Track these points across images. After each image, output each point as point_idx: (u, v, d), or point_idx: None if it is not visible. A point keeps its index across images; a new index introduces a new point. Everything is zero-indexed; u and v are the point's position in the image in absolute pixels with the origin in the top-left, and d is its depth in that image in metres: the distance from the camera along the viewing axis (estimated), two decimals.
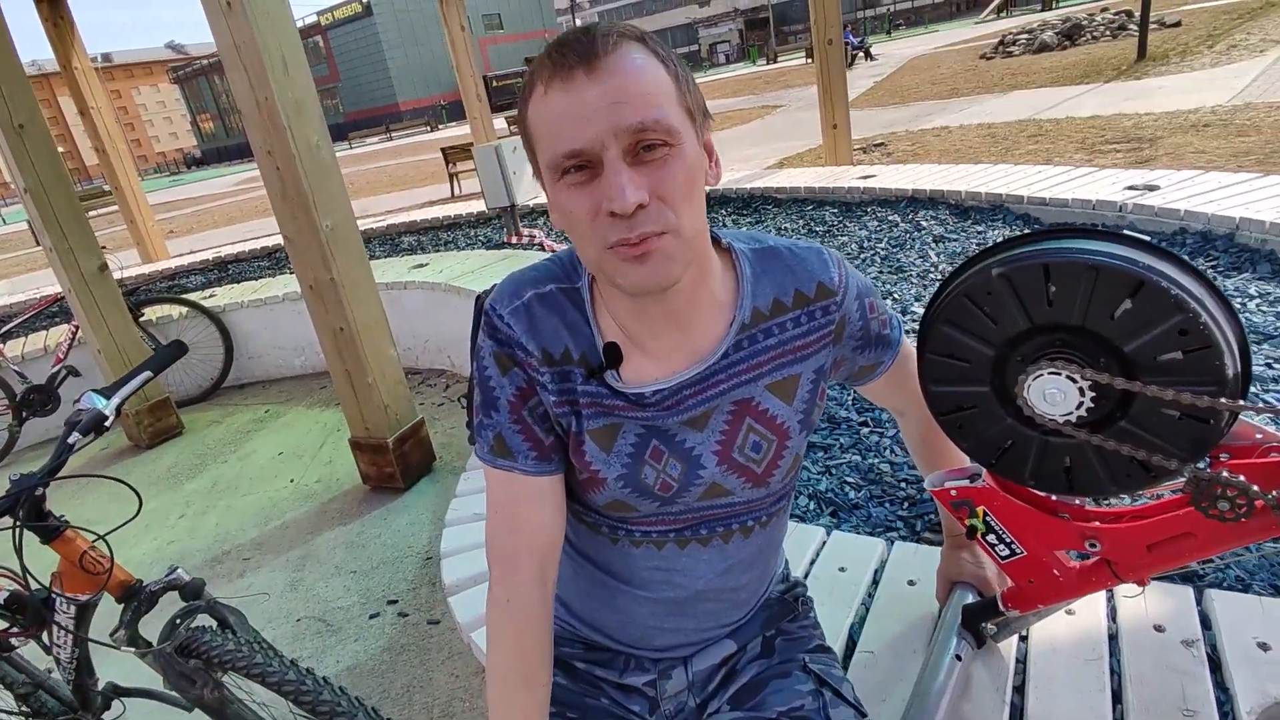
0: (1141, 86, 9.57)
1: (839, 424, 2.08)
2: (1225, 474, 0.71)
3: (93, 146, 6.88)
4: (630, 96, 0.66)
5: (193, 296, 4.78)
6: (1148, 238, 0.73)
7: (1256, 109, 6.85)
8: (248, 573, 2.66)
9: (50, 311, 5.12)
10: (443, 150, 11.48)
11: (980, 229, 3.53)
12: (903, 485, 1.74)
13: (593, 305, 0.82)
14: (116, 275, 3.78)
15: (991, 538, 0.92)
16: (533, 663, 0.80)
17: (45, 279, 9.33)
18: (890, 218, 3.96)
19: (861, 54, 24.93)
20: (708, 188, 0.77)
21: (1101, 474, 0.79)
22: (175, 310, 4.56)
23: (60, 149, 3.69)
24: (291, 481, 3.30)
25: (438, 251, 5.60)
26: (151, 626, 1.34)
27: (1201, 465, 0.75)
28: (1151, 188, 3.21)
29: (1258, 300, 2.29)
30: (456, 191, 11.38)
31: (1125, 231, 0.74)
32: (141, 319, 4.27)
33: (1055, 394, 0.76)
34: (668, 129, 0.68)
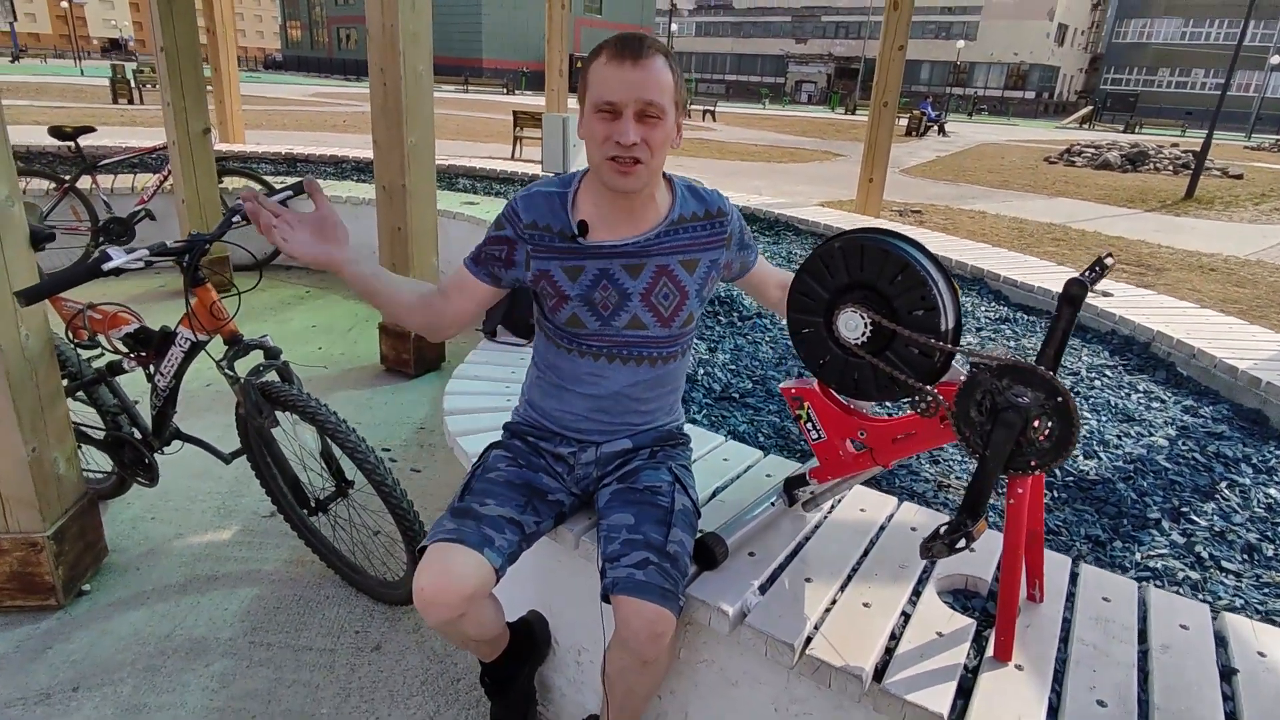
0: (1176, 222, 10.00)
1: (774, 397, 2.56)
2: (929, 389, 1.20)
3: (203, 26, 7.45)
4: (649, 86, 1.19)
5: (266, 178, 5.32)
6: (919, 242, 1.22)
7: (1263, 267, 7.28)
8: None
9: (132, 161, 5.63)
10: (514, 113, 12.05)
11: None
12: (801, 443, 2.22)
13: (573, 201, 1.34)
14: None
15: (809, 424, 1.40)
16: (412, 288, 1.38)
17: (121, 135, 9.93)
18: None
19: (935, 127, 25.44)
20: (673, 149, 1.30)
21: (874, 386, 1.28)
22: (250, 184, 5.10)
23: None
24: (319, 349, 3.82)
25: (489, 197, 6.12)
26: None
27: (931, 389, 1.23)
28: (1106, 294, 3.68)
29: (1140, 394, 2.76)
30: (517, 154, 11.93)
31: (911, 236, 1.23)
32: (219, 185, 4.80)
33: (851, 325, 1.24)
34: (661, 109, 1.21)
